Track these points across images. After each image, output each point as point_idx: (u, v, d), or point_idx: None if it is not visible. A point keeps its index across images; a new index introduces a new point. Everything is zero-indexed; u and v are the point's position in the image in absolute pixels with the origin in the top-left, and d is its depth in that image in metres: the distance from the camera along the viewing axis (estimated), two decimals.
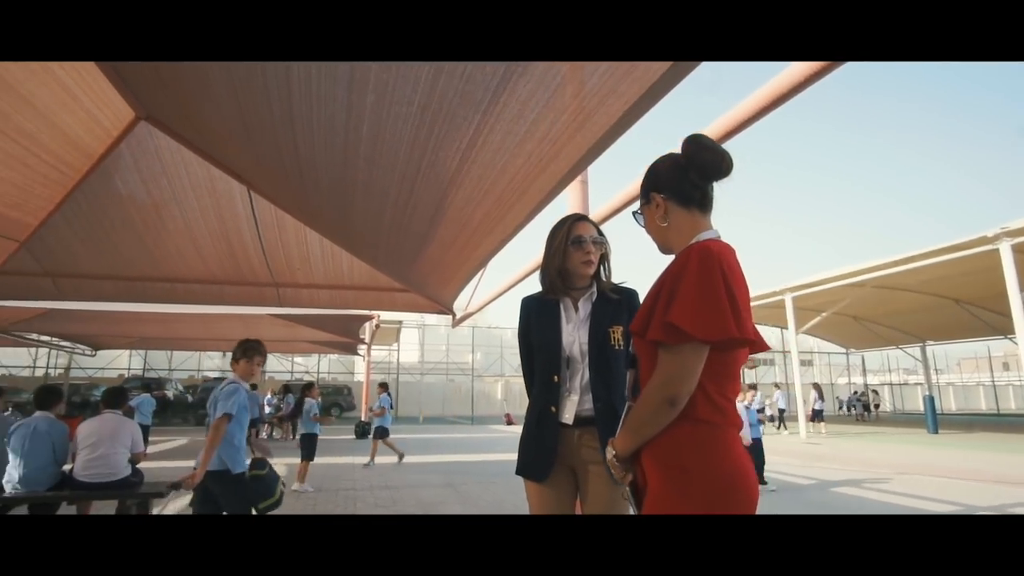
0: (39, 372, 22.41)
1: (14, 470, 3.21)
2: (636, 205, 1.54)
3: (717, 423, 1.22)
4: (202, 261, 6.12)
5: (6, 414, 5.32)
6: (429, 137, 2.27)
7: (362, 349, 15.49)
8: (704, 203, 1.35)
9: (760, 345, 1.29)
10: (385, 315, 12.10)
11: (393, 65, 1.85)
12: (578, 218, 1.82)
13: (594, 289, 1.80)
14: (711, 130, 2.29)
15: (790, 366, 16.41)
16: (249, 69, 2.24)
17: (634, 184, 2.40)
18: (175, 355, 26.61)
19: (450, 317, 8.68)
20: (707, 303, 1.16)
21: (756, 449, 6.68)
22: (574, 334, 1.71)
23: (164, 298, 6.94)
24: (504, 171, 2.47)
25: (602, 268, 1.81)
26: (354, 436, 13.90)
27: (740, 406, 6.21)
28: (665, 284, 1.23)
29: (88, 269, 6.17)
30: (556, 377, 1.68)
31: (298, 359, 30.56)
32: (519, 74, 1.78)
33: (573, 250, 1.76)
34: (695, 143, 1.33)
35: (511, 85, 1.84)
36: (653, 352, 1.26)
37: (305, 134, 2.70)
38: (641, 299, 1.44)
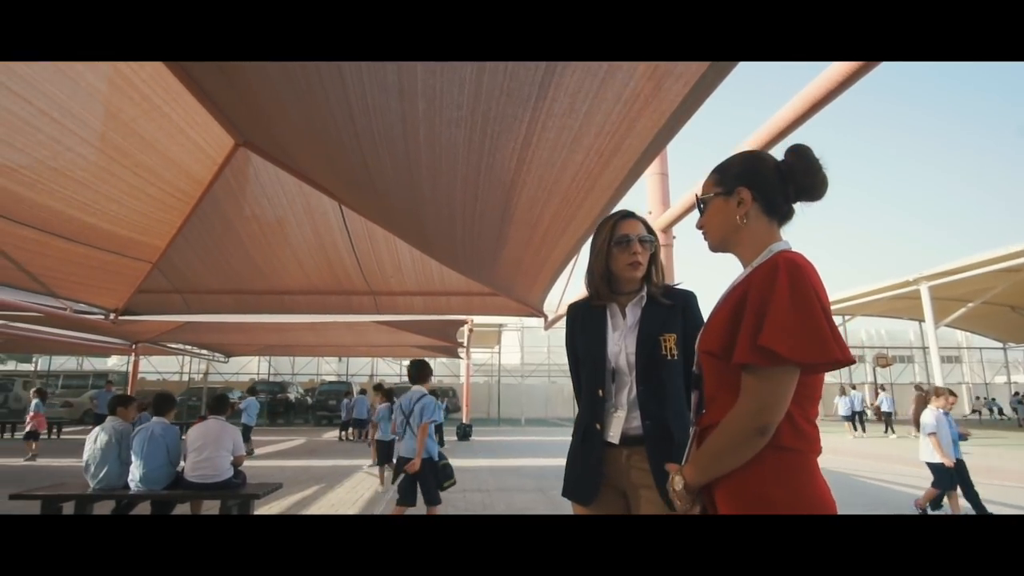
0: (185, 377, 25.28)
1: (136, 470, 3.60)
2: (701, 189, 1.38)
3: (802, 450, 1.11)
4: (304, 274, 6.51)
5: (142, 415, 5.97)
6: (483, 139, 2.21)
7: (462, 352, 15.89)
8: (786, 216, 1.26)
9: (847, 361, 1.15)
10: (481, 319, 12.30)
11: (437, 68, 1.80)
12: (623, 215, 1.66)
13: (644, 293, 1.61)
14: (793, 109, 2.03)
15: (931, 364, 14.61)
16: (312, 85, 2.30)
17: None
18: (297, 360, 28.88)
19: (542, 319, 8.63)
20: (806, 323, 1.05)
21: (960, 470, 5.24)
22: (620, 343, 1.54)
23: (274, 309, 7.48)
24: (564, 168, 2.35)
25: (652, 270, 1.63)
26: (456, 438, 14.27)
27: (937, 414, 5.17)
28: (751, 300, 1.11)
29: (208, 285, 6.79)
30: (601, 391, 1.53)
31: (406, 362, 32.02)
32: (563, 65, 1.67)
33: (618, 251, 1.59)
34: (803, 159, 1.22)
35: (556, 78, 1.73)
36: (727, 373, 1.14)
37: (370, 148, 2.74)
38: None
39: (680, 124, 1.93)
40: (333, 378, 28.63)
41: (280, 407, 19.45)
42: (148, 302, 7.22)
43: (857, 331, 32.67)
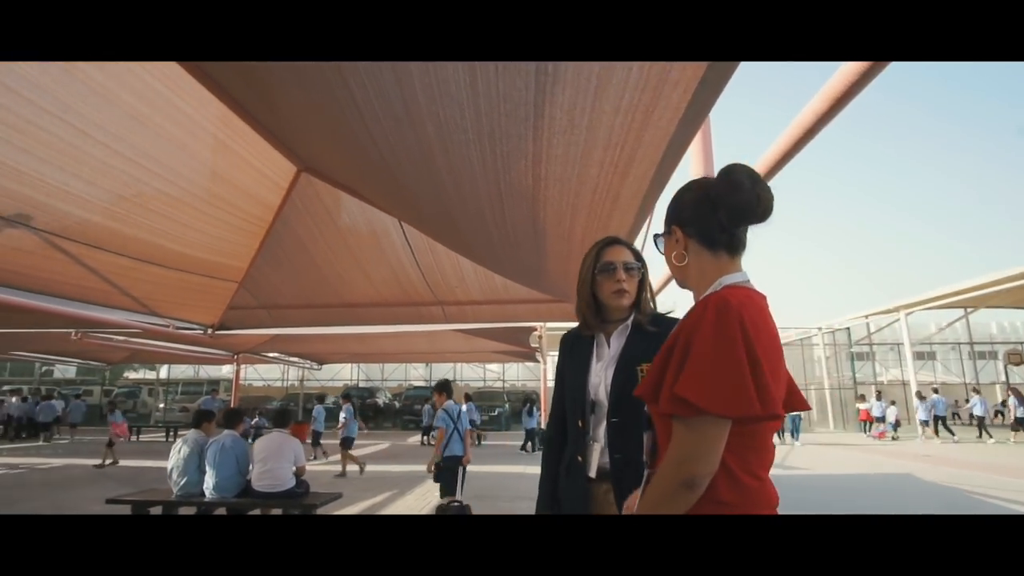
0: (286, 384, 27.13)
1: (210, 479, 3.94)
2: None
3: (742, 506, 0.99)
4: (372, 287, 6.80)
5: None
6: (495, 159, 2.21)
7: (539, 356, 15.91)
8: (733, 246, 1.14)
9: (799, 405, 1.08)
10: (553, 324, 12.25)
11: (435, 92, 1.83)
12: (608, 242, 1.61)
13: (629, 321, 1.55)
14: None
15: None
16: (345, 112, 2.41)
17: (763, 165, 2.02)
18: (386, 367, 30.16)
19: None
20: (722, 371, 0.96)
21: None
22: (601, 374, 1.49)
23: (347, 321, 7.85)
24: (582, 182, 2.31)
25: (642, 296, 1.58)
26: (532, 446, 14.31)
27: None
28: (678, 343, 1.04)
29: (288, 301, 7.25)
30: (581, 423, 1.49)
31: (490, 366, 32.54)
32: (551, 82, 1.64)
33: (603, 279, 1.55)
34: (728, 180, 1.11)
35: (548, 96, 1.71)
36: (664, 419, 1.06)
37: (404, 169, 2.83)
38: None
39: (691, 131, 1.84)
40: (421, 383, 29.66)
41: (369, 411, 20.39)
42: (239, 317, 7.82)
43: (986, 324, 29.39)
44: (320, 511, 3.96)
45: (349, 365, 28.51)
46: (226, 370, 31.96)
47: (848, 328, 23.62)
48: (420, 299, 7.31)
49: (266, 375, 28.68)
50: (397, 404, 22.07)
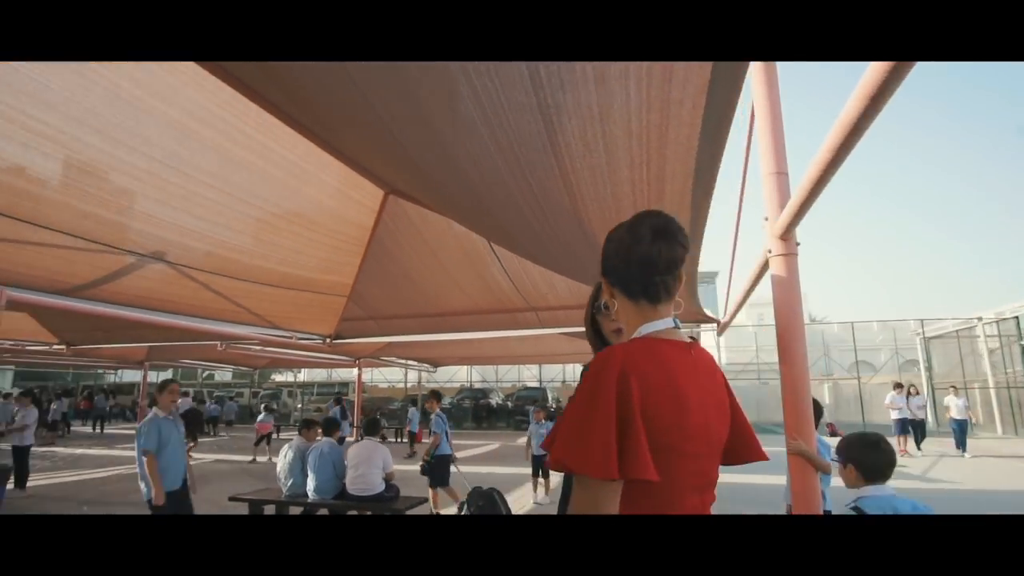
0: (406, 386, 28.78)
1: (311, 481, 4.37)
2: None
3: None
4: (466, 296, 7.08)
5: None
6: (531, 183, 2.28)
7: None
8: (650, 294, 1.10)
9: (749, 456, 1.09)
10: None
11: (458, 127, 1.94)
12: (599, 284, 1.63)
13: None
14: None
15: None
16: (405, 136, 2.60)
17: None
18: (499, 368, 30.98)
19: (714, 324, 8.11)
20: (587, 432, 0.93)
21: None
22: None
23: (446, 329, 8.23)
24: (618, 200, 2.30)
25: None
26: None
27: None
28: (572, 397, 1.04)
29: (392, 312, 7.75)
30: None
31: None
32: (557, 115, 1.68)
33: (602, 319, 1.57)
34: (631, 232, 1.12)
35: (557, 126, 1.75)
36: None
37: (466, 189, 2.97)
38: None
39: (719, 141, 1.79)
40: (534, 384, 30.10)
41: (483, 412, 21.08)
42: (352, 328, 8.49)
43: None
44: (410, 513, 4.23)
45: (465, 367, 29.62)
46: (355, 373, 34.70)
47: (1017, 317, 20.47)
48: (513, 306, 7.50)
49: (390, 376, 30.65)
50: (510, 404, 22.59)
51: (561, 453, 0.95)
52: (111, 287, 4.42)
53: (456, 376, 29.95)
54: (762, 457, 1.14)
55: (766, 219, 3.75)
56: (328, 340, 8.68)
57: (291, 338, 8.29)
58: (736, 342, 31.41)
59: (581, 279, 5.15)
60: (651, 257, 1.08)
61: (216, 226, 4.23)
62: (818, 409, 4.01)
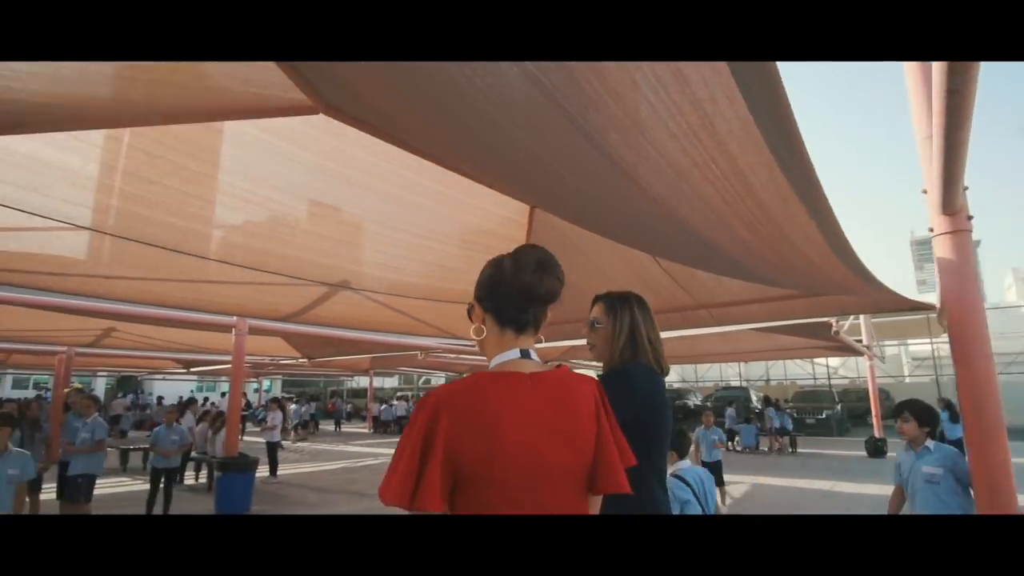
0: None
1: None
2: None
3: None
4: None
5: None
6: (632, 194, 2.27)
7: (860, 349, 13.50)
8: (519, 324, 1.19)
9: (606, 488, 1.09)
10: (881, 318, 10.31)
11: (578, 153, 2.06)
12: (594, 300, 1.80)
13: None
14: None
15: None
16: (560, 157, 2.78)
17: None
18: (699, 367, 29.52)
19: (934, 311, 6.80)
20: (393, 465, 1.02)
21: None
22: None
23: None
24: (706, 201, 2.18)
25: (616, 347, 1.74)
26: (865, 453, 12.18)
27: None
28: None
29: (560, 316, 8.00)
30: None
31: (819, 360, 28.86)
32: (606, 150, 1.71)
33: (588, 334, 1.75)
34: (514, 263, 1.21)
35: (612, 159, 1.77)
36: None
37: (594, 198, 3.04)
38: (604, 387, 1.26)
39: (785, 126, 1.65)
40: (736, 383, 28.06)
41: (679, 414, 20.30)
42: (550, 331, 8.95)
43: None
44: None
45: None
46: None
47: None
48: (682, 304, 7.20)
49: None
50: (708, 405, 21.42)
51: (383, 483, 1.02)
52: (315, 312, 5.36)
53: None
54: (619, 489, 1.08)
55: (924, 192, 3.14)
56: None
57: (473, 345, 9.06)
58: (1006, 327, 25.41)
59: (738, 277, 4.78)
60: (532, 286, 1.17)
61: (383, 254, 4.88)
62: (930, 415, 3.30)
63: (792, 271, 3.32)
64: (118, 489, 8.68)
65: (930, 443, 3.15)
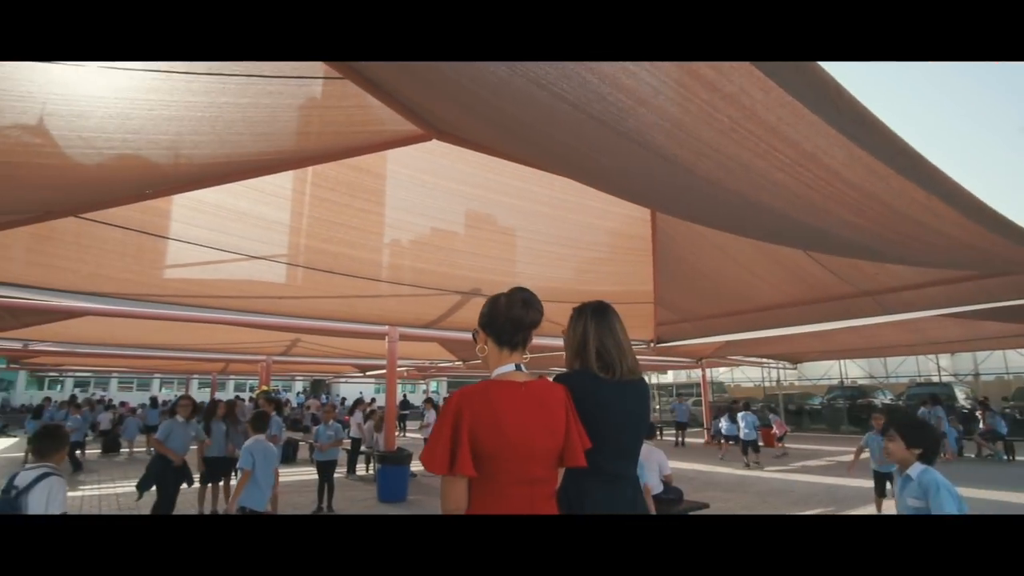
0: (763, 384, 26.77)
1: None
2: None
3: None
4: (772, 287, 6.53)
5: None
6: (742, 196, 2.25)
7: None
8: (512, 344, 1.59)
9: (571, 462, 1.52)
10: None
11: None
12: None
13: None
14: None
15: None
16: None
17: None
18: (889, 360, 25.90)
19: None
20: (432, 444, 1.44)
21: None
22: None
23: (766, 324, 7.64)
24: (790, 189, 2.08)
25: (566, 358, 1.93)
26: None
27: None
28: None
29: (701, 312, 7.68)
30: None
31: None
32: (638, 136, 1.75)
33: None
34: (508, 301, 1.61)
35: (652, 144, 1.80)
36: None
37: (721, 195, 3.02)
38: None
39: (840, 100, 1.56)
40: (940, 377, 24.15)
41: (862, 413, 18.06)
42: (670, 331, 8.70)
43: None
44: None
45: (836, 362, 25.90)
46: (715, 373, 33.94)
47: None
48: (839, 293, 6.51)
49: (753, 375, 28.97)
50: (901, 403, 18.78)
51: (422, 457, 1.44)
52: (452, 319, 5.82)
53: (831, 372, 26.34)
54: (579, 463, 1.53)
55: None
56: (651, 344, 9.07)
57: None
58: None
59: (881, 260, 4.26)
60: (520, 318, 1.58)
61: (508, 261, 5.15)
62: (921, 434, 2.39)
63: (935, 250, 2.92)
64: (303, 477, 10.02)
65: (915, 469, 2.31)
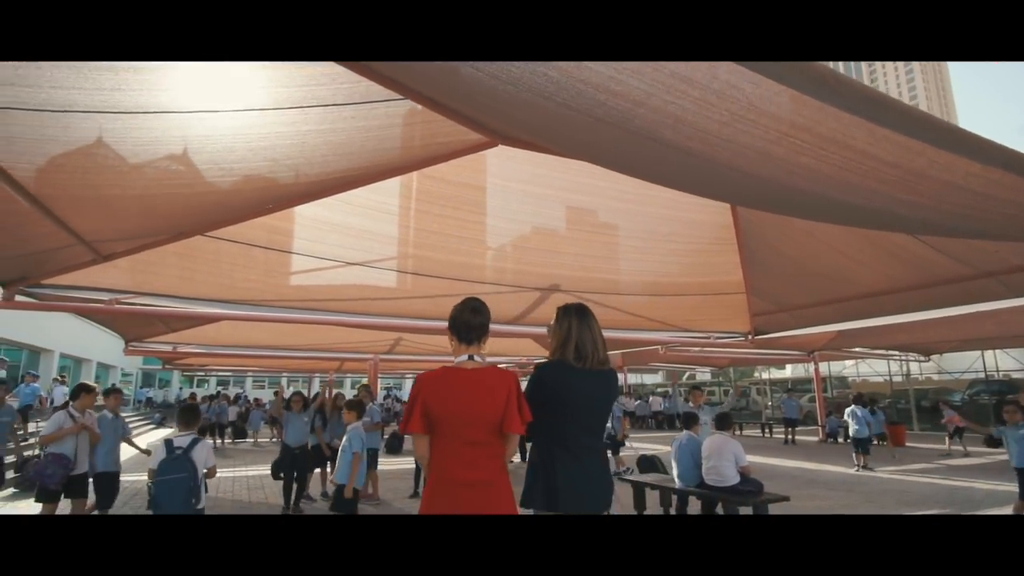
0: (890, 379, 24.32)
1: (675, 469, 4.70)
2: None
3: (434, 476, 2.07)
4: (872, 272, 6.11)
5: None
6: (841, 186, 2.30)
7: None
8: (466, 339, 2.18)
9: (509, 429, 2.07)
10: None
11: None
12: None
13: None
14: None
15: None
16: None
17: None
18: None
19: None
20: (405, 411, 2.11)
21: None
22: None
23: (873, 312, 7.12)
24: (857, 186, 2.07)
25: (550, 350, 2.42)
26: None
27: None
28: None
29: (798, 301, 7.31)
30: None
31: None
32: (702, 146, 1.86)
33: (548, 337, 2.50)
34: (460, 308, 2.22)
35: (720, 153, 1.89)
36: None
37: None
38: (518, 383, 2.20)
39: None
40: None
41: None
42: (770, 322, 8.34)
43: None
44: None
45: (976, 353, 23.02)
46: (838, 367, 31.31)
47: None
48: (954, 275, 5.92)
49: (880, 369, 26.48)
50: None
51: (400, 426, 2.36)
52: (532, 315, 6.04)
53: (976, 365, 23.46)
54: (517, 431, 2.05)
55: None
56: (750, 336, 8.74)
57: (708, 338, 8.77)
58: None
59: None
60: (469, 321, 2.19)
61: (587, 257, 5.29)
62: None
63: (1017, 223, 2.69)
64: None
65: None
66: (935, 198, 2.25)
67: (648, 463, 7.30)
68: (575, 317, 2.33)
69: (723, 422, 5.21)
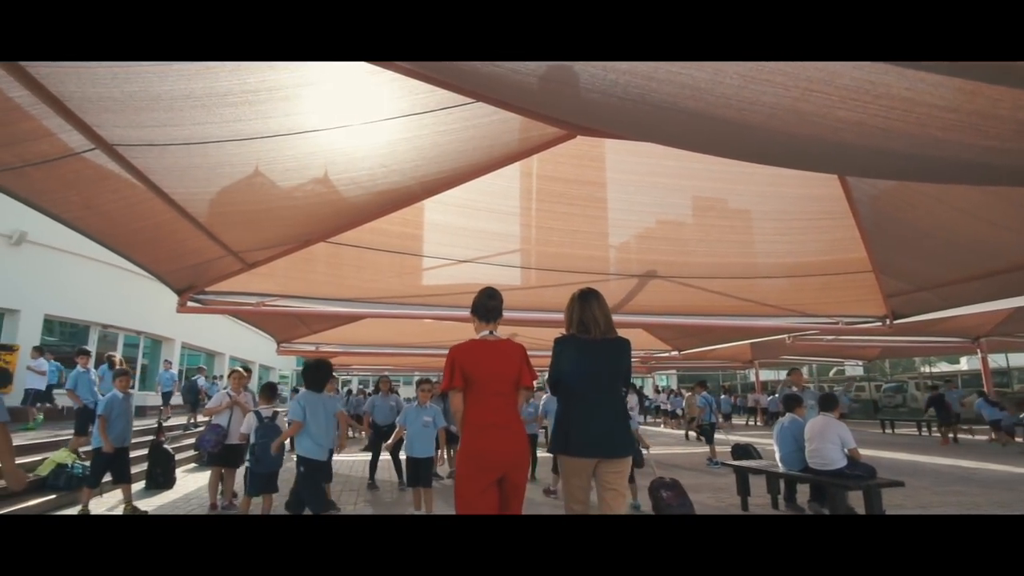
0: None
1: (778, 453, 4.54)
2: None
3: (470, 422, 2.73)
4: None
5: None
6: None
7: None
8: (486, 319, 2.90)
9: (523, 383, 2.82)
10: None
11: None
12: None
13: None
14: None
15: None
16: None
17: None
18: None
19: None
20: (445, 375, 2.76)
21: None
22: None
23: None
24: (921, 138, 2.04)
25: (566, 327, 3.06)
26: None
27: None
28: None
29: (940, 278, 6.62)
30: None
31: None
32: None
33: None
34: (482, 295, 2.92)
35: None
36: None
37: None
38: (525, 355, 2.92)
39: None
40: None
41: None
42: (906, 303, 7.57)
43: None
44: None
45: None
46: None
47: None
48: None
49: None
50: None
51: (441, 384, 2.97)
52: (634, 302, 6.08)
53: None
54: (525, 385, 2.80)
55: None
56: (887, 321, 7.99)
57: (837, 323, 8.12)
58: None
59: None
60: (486, 304, 2.90)
61: (683, 242, 5.26)
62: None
63: None
64: None
65: None
66: (1012, 140, 2.08)
67: (743, 451, 7.09)
68: (578, 301, 2.93)
69: (827, 403, 4.90)
